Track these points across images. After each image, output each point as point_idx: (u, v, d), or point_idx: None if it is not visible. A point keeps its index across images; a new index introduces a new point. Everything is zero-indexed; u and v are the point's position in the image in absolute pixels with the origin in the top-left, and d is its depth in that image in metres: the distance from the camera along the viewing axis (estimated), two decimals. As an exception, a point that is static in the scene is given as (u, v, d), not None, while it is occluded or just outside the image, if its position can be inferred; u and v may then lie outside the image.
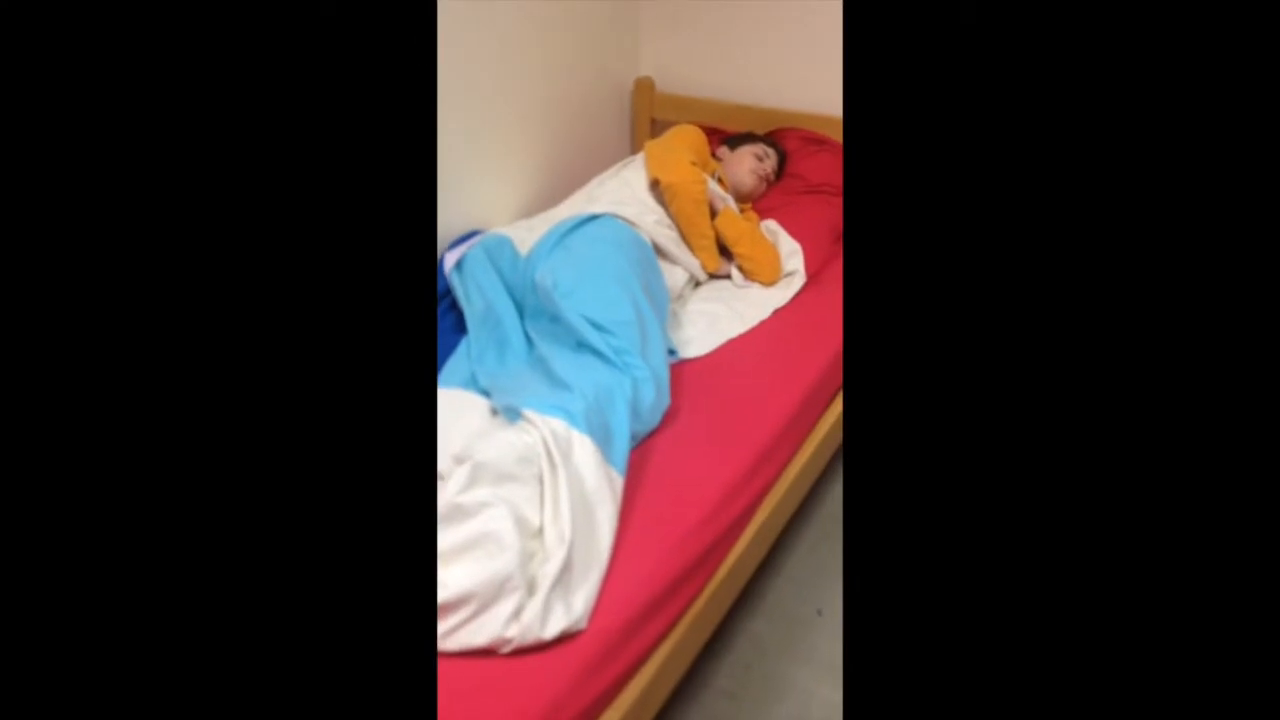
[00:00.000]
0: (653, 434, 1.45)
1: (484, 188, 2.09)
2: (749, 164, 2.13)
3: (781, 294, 1.92)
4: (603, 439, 1.27)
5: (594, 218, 1.74)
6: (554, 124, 2.28)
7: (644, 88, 2.49)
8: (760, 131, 2.30)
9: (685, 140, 2.00)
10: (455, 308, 1.71)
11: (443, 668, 1.03)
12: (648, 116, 2.52)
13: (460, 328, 1.66)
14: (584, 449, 1.22)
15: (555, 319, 1.49)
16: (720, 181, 2.06)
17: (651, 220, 1.85)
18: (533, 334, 1.53)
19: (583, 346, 1.44)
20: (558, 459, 1.18)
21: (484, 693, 1.02)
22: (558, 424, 1.23)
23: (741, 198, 2.14)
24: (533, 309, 1.57)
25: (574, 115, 2.34)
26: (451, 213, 1.98)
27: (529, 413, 1.24)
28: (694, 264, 1.92)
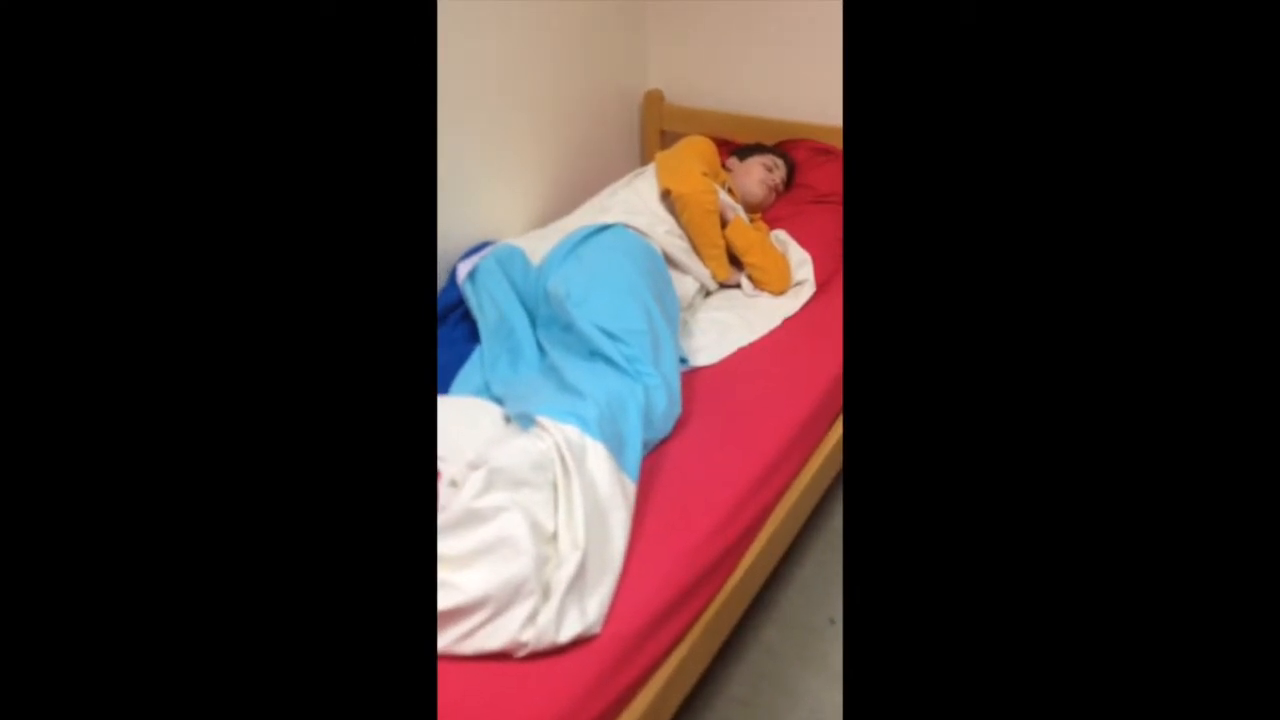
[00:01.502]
0: (664, 442, 1.46)
1: (495, 199, 2.11)
2: (758, 174, 2.14)
3: (791, 303, 1.93)
4: (615, 446, 1.27)
5: (606, 228, 1.76)
6: (564, 135, 2.29)
7: (653, 100, 2.51)
8: (769, 142, 2.31)
9: (696, 151, 2.01)
10: (468, 318, 1.73)
11: (458, 672, 1.04)
12: (657, 128, 2.54)
13: (473, 338, 1.67)
14: (597, 455, 1.23)
15: (568, 328, 1.51)
16: (730, 192, 2.07)
17: (662, 230, 1.86)
18: (545, 343, 1.54)
19: (595, 355, 1.45)
20: (571, 465, 1.19)
21: (499, 698, 1.03)
22: (571, 430, 1.24)
23: (751, 208, 2.15)
24: (545, 318, 1.59)
25: (584, 127, 2.36)
26: (463, 224, 2.00)
27: (543, 419, 1.25)
28: (704, 273, 1.93)
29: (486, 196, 2.08)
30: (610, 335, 1.46)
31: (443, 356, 1.58)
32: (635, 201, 1.92)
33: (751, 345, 1.79)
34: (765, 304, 1.93)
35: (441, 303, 1.76)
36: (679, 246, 1.88)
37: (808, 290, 1.96)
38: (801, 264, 2.00)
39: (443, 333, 1.69)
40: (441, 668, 1.04)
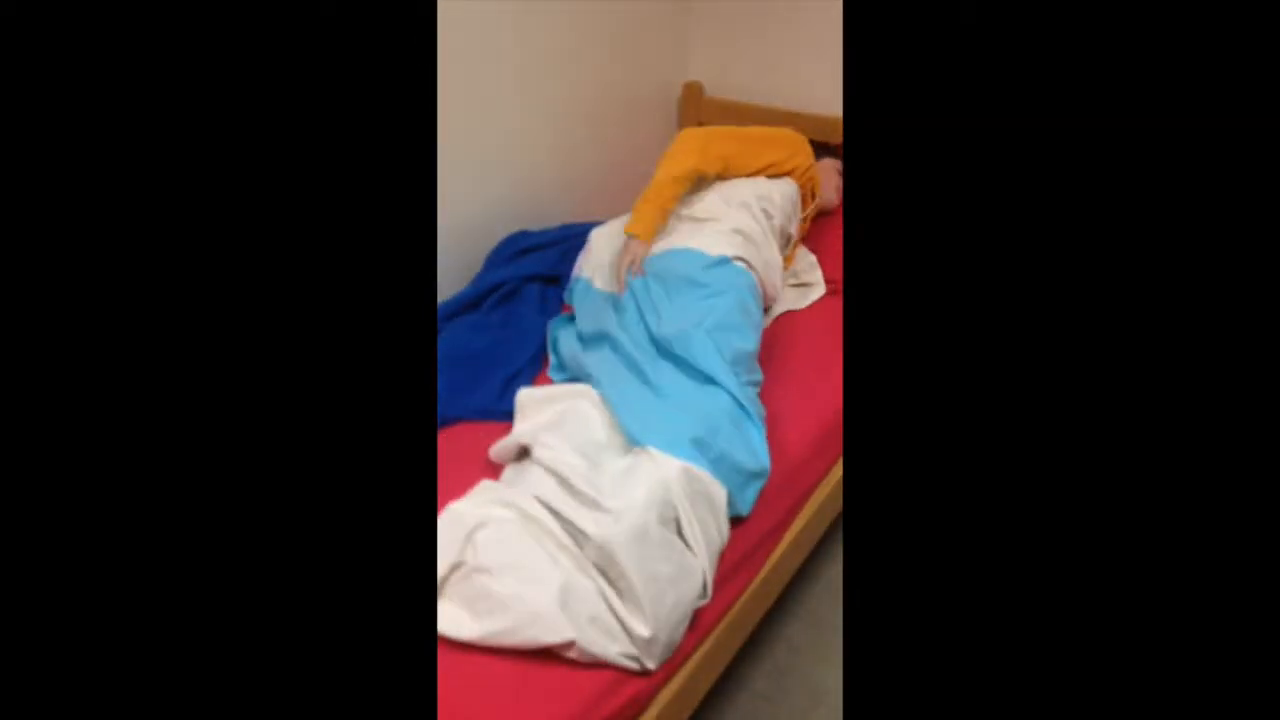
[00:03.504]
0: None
1: (532, 189, 2.11)
2: (836, 181, 2.08)
3: (798, 300, 1.94)
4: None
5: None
6: (601, 127, 2.29)
7: (692, 92, 2.50)
8: (819, 140, 2.27)
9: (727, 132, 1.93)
10: (504, 303, 1.75)
11: (477, 664, 1.05)
12: (695, 121, 2.52)
13: (508, 323, 1.69)
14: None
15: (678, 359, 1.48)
16: (812, 193, 2.00)
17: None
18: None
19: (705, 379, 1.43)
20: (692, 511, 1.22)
21: (524, 686, 1.03)
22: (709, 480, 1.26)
23: (825, 213, 2.10)
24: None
25: (621, 119, 2.36)
26: (499, 213, 2.01)
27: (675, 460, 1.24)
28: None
29: (524, 185, 2.08)
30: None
31: (478, 341, 1.59)
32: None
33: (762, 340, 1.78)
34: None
35: (479, 287, 1.77)
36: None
37: (816, 291, 1.97)
38: (811, 267, 2.01)
39: (476, 318, 1.70)
40: (465, 658, 1.05)
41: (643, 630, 1.08)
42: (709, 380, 1.40)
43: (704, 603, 1.19)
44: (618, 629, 1.09)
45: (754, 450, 1.35)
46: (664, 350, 1.47)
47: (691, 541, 1.19)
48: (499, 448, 1.33)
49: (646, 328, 1.52)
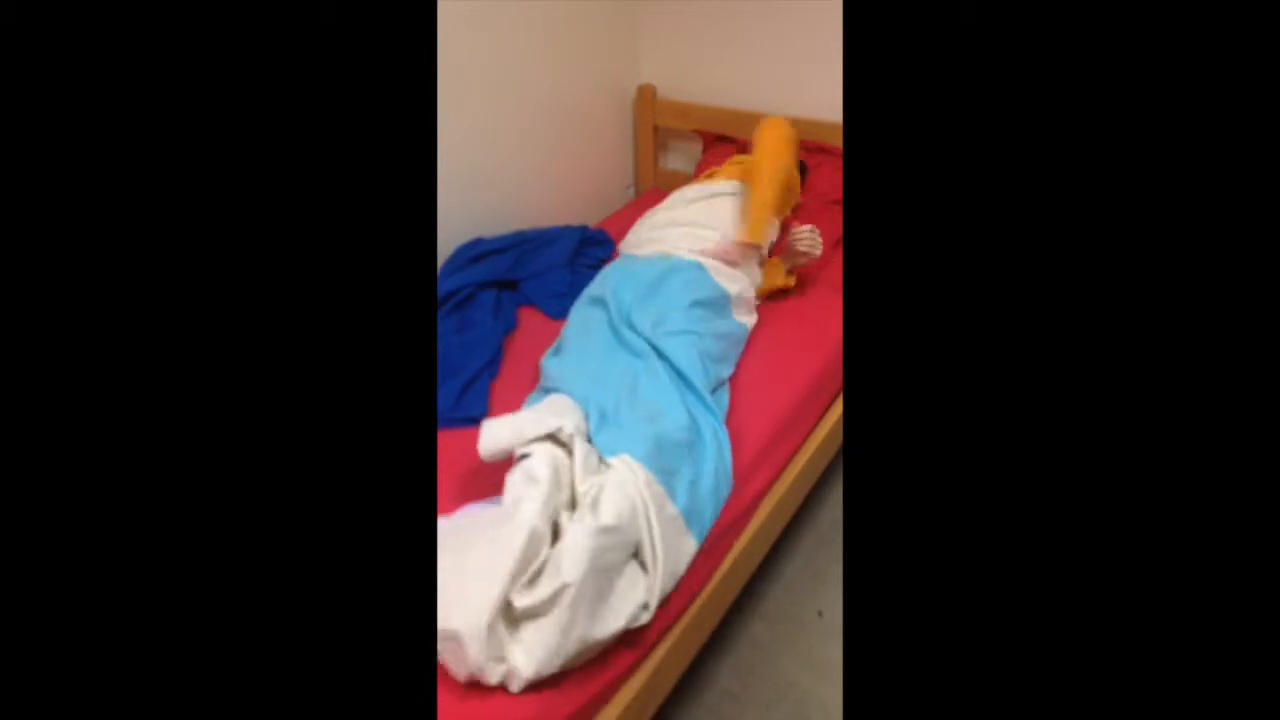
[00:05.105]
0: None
1: (486, 194, 2.11)
2: None
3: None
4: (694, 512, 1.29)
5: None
6: (555, 130, 2.29)
7: (646, 94, 2.51)
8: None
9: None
10: (459, 309, 1.73)
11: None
12: (650, 123, 2.54)
13: (464, 328, 1.68)
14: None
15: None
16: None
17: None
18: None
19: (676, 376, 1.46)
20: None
21: (479, 690, 1.03)
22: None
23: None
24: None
25: (575, 122, 2.36)
26: (454, 219, 2.00)
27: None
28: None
29: (477, 191, 2.08)
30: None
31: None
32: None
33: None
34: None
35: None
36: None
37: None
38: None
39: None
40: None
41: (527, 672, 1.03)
42: (682, 384, 1.42)
43: (646, 620, 1.15)
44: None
45: (726, 474, 1.37)
46: (646, 346, 1.50)
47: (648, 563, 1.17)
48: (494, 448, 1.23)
49: (618, 323, 1.55)
